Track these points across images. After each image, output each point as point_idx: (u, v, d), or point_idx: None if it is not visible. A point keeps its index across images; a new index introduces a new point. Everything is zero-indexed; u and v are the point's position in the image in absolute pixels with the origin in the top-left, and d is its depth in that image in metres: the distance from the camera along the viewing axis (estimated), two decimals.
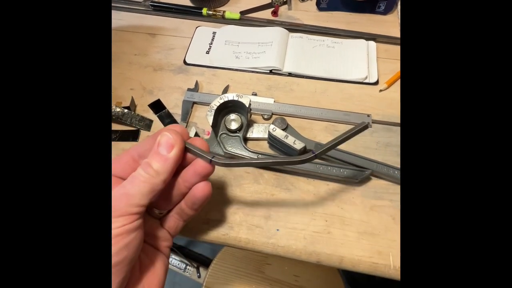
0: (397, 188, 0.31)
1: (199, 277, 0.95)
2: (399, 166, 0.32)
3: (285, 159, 0.24)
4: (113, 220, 0.19)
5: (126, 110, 0.36)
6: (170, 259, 0.95)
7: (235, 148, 0.32)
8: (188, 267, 0.96)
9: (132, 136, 0.35)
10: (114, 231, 0.18)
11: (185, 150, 0.22)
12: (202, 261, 0.99)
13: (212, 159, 0.22)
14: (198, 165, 0.22)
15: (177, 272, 0.95)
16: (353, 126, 0.35)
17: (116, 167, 0.23)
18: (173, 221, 0.25)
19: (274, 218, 0.30)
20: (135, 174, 0.20)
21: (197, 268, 0.95)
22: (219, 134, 0.33)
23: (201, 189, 0.23)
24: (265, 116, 0.36)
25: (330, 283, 0.59)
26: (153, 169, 0.20)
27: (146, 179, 0.20)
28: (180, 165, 0.22)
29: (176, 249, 0.97)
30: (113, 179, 0.22)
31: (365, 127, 0.23)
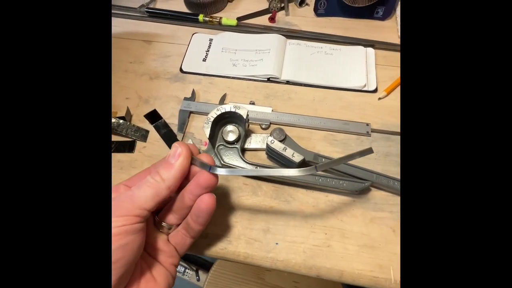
0: (397, 199, 0.31)
1: (198, 280, 0.95)
2: (399, 176, 0.32)
3: (284, 172, 0.24)
4: (114, 219, 0.19)
5: (121, 121, 0.35)
6: None
7: (233, 160, 0.32)
8: (187, 270, 0.95)
9: (128, 147, 0.35)
10: (112, 230, 0.19)
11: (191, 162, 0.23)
12: (201, 264, 0.98)
13: (211, 167, 0.23)
14: (201, 177, 0.23)
15: (176, 276, 0.95)
16: (354, 134, 0.35)
17: (135, 181, 0.24)
18: (180, 236, 0.25)
19: (273, 231, 0.30)
20: (143, 180, 0.22)
21: (196, 271, 0.95)
22: (216, 146, 0.32)
23: (205, 201, 0.23)
24: (263, 126, 0.36)
25: None
26: (160, 175, 0.21)
27: (152, 184, 0.21)
28: (187, 179, 0.23)
29: None
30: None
31: (370, 151, 0.24)
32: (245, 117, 0.31)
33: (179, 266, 0.95)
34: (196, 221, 0.24)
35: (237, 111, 0.31)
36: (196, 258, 1.01)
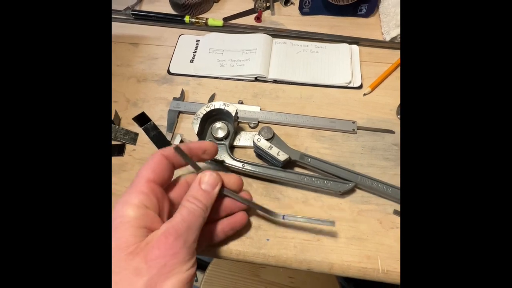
0: None
1: (196, 281, 0.95)
2: (385, 169, 0.33)
3: (263, 209, 0.27)
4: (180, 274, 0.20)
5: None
6: None
7: (221, 156, 0.32)
8: None
9: (117, 150, 0.35)
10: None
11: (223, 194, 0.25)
12: (198, 265, 0.98)
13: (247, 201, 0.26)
14: (239, 221, 0.28)
15: None
16: (341, 131, 0.35)
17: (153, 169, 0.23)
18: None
19: (264, 228, 0.30)
20: (194, 218, 0.22)
21: None
22: None
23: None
24: (252, 125, 0.36)
25: (325, 283, 0.60)
26: (202, 203, 0.22)
27: (200, 214, 0.22)
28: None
29: None
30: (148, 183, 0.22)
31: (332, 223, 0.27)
32: (233, 114, 0.31)
33: None
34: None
35: (226, 108, 0.31)
36: None
